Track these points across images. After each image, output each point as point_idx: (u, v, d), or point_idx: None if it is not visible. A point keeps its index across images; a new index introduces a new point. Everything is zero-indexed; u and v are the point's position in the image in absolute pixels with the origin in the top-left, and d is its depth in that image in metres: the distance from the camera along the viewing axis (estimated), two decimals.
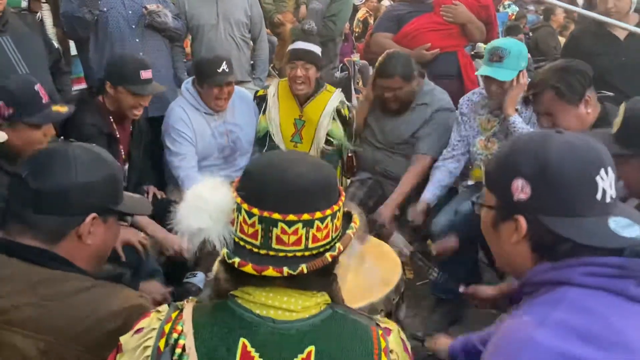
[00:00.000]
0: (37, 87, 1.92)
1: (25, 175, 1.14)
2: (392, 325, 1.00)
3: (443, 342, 1.48)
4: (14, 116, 1.85)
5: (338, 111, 2.98)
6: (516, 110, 2.48)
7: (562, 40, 4.46)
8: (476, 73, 2.77)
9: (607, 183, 0.90)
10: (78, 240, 1.16)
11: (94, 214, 1.16)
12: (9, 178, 1.29)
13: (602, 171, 0.90)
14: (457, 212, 2.56)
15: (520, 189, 0.92)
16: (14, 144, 1.85)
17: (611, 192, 0.91)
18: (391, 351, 0.94)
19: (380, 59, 2.83)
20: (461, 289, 1.62)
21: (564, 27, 4.92)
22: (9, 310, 1.04)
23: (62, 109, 2.02)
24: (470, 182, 2.81)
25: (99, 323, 1.06)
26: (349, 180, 3.16)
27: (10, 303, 1.05)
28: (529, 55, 4.66)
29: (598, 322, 0.81)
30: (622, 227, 0.89)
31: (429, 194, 2.68)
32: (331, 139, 2.99)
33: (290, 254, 0.91)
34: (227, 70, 2.72)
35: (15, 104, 1.84)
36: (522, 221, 0.93)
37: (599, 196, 0.90)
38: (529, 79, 2.42)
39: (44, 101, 1.92)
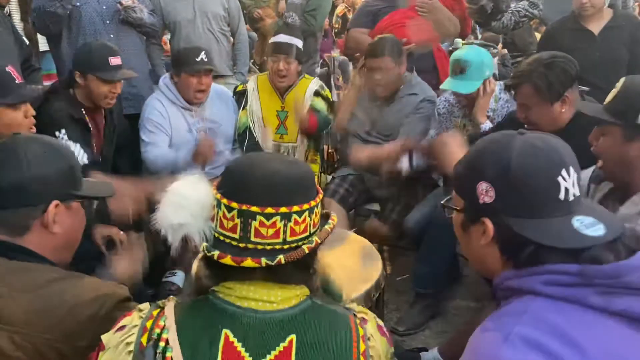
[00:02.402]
0: (9, 68, 1.89)
1: None
2: (368, 314, 1.02)
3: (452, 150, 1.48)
4: None
5: (318, 93, 2.98)
6: (487, 116, 2.52)
7: (538, 36, 4.50)
8: (440, 87, 2.79)
9: (569, 182, 0.91)
10: (44, 231, 1.16)
11: (56, 202, 1.16)
12: None
13: (564, 171, 0.91)
14: (437, 207, 2.57)
15: (485, 192, 0.93)
16: None
17: (574, 191, 0.92)
18: (369, 338, 0.96)
19: (369, 42, 2.83)
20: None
21: (539, 23, 4.97)
22: None
23: (36, 87, 1.97)
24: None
25: (70, 313, 1.05)
26: (329, 177, 3.16)
27: None
28: (505, 51, 4.71)
29: (557, 335, 0.81)
30: (586, 225, 0.89)
31: (406, 162, 2.60)
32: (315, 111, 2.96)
33: (268, 247, 0.92)
34: (205, 59, 2.69)
35: None
36: (489, 224, 0.93)
37: (561, 196, 0.90)
38: (503, 77, 2.45)
39: (17, 81, 1.88)
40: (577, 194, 0.92)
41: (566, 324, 0.83)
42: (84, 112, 2.45)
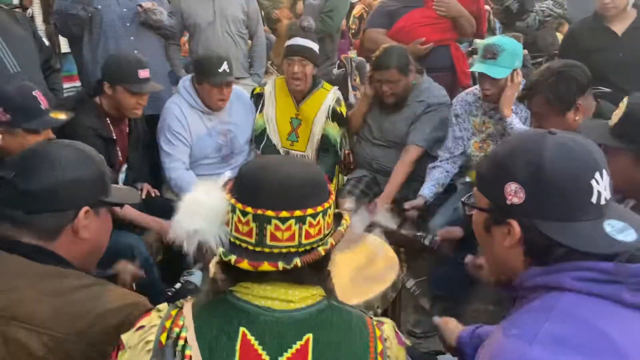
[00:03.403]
0: (36, 92, 1.94)
1: (11, 177, 1.14)
2: (385, 319, 1.03)
3: (452, 326, 1.41)
4: (13, 122, 1.86)
5: (334, 110, 2.96)
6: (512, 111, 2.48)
7: (559, 36, 4.44)
8: (470, 69, 2.77)
9: (602, 186, 0.89)
10: (74, 236, 1.17)
11: (86, 207, 1.17)
12: None
13: (597, 174, 0.89)
14: (456, 209, 2.55)
15: (514, 193, 0.90)
16: (13, 150, 1.85)
17: (605, 194, 0.90)
18: (386, 339, 0.97)
19: (376, 52, 2.82)
20: (468, 257, 1.58)
21: (559, 23, 4.90)
22: (12, 306, 1.06)
23: (60, 115, 2.02)
24: (468, 179, 2.81)
25: (99, 319, 1.07)
26: (345, 178, 3.16)
27: (14, 298, 1.06)
28: (526, 51, 4.66)
29: (588, 330, 0.79)
30: (618, 230, 0.87)
31: (427, 190, 2.68)
32: (328, 141, 2.97)
33: (284, 250, 0.93)
34: (227, 70, 2.71)
35: (14, 110, 1.86)
36: (516, 226, 0.91)
37: (594, 199, 0.88)
38: (524, 79, 2.41)
39: (42, 107, 1.93)
40: (608, 197, 0.90)
41: (597, 318, 0.81)
42: (108, 122, 2.51)
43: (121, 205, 1.35)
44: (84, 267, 1.19)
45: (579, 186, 0.88)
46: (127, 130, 2.64)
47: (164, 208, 2.42)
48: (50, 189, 1.14)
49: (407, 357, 1.01)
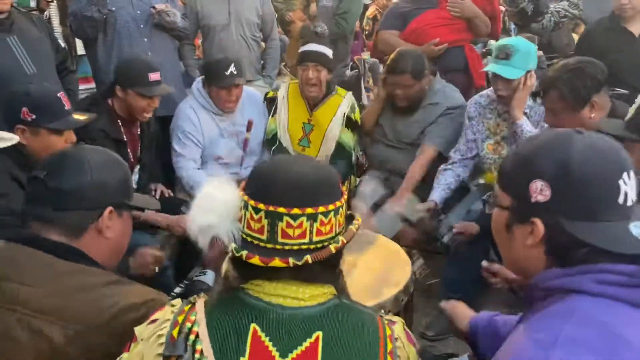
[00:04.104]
0: (60, 94, 1.99)
1: (43, 176, 1.20)
2: (396, 318, 1.03)
3: (461, 311, 1.39)
4: (36, 122, 1.89)
5: (348, 118, 2.95)
6: (525, 113, 2.45)
7: (575, 37, 4.39)
8: (483, 69, 2.75)
9: (629, 186, 0.88)
10: (98, 235, 1.23)
11: (110, 208, 1.23)
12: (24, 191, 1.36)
13: (625, 174, 0.87)
14: (470, 211, 2.53)
15: (539, 191, 0.89)
16: (35, 150, 1.89)
17: (632, 196, 0.88)
18: (396, 338, 0.97)
19: (391, 55, 2.82)
20: (484, 263, 1.57)
21: (575, 24, 4.85)
22: (36, 299, 1.11)
23: (82, 116, 2.07)
24: (481, 181, 2.78)
25: (121, 314, 1.11)
26: (357, 180, 3.15)
27: (38, 292, 1.11)
28: (541, 52, 4.62)
29: (609, 335, 0.78)
30: None
31: (437, 195, 2.65)
32: (341, 149, 2.97)
33: (295, 247, 0.94)
34: (235, 72, 2.72)
35: (38, 110, 1.89)
36: (539, 224, 0.89)
37: (620, 200, 0.87)
38: (538, 79, 2.39)
39: (65, 108, 1.97)
40: (634, 199, 0.89)
41: (618, 323, 0.80)
42: (119, 124, 2.54)
43: (143, 208, 1.41)
44: (106, 265, 1.24)
45: (606, 186, 0.87)
46: (139, 132, 2.67)
47: (177, 208, 2.45)
48: (79, 188, 1.20)
49: (417, 357, 1.00)
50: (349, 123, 2.96)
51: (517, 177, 0.93)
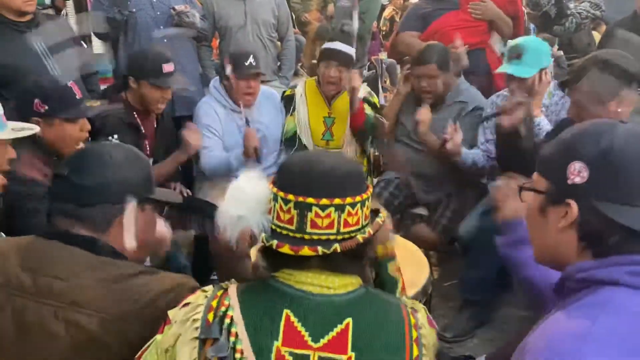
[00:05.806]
0: (70, 84, 1.99)
1: (67, 173, 1.22)
2: (418, 306, 1.07)
3: (513, 205, 1.43)
4: (49, 112, 1.90)
5: (367, 100, 2.94)
6: (541, 111, 2.43)
7: (596, 36, 4.33)
8: (496, 71, 2.73)
9: None
10: (123, 229, 1.24)
11: (134, 202, 1.24)
12: (45, 189, 1.39)
13: None
14: (489, 211, 2.51)
15: (577, 172, 0.89)
16: (52, 140, 1.91)
17: None
18: (420, 327, 1.00)
19: (418, 50, 2.81)
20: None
21: (597, 23, 4.78)
22: (73, 292, 1.13)
23: (95, 103, 2.09)
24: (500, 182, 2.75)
25: (152, 301, 1.13)
26: (374, 180, 3.14)
27: (74, 284, 1.14)
28: (561, 52, 4.57)
29: None
30: None
31: (465, 149, 2.64)
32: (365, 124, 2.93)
33: (324, 237, 0.97)
34: (254, 63, 2.74)
35: (50, 100, 1.90)
36: (574, 206, 0.90)
37: None
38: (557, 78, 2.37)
39: (77, 97, 1.98)
40: None
41: None
42: (135, 116, 2.55)
43: (165, 203, 1.41)
44: (133, 259, 1.25)
45: None
46: (155, 126, 2.67)
47: (195, 206, 2.46)
48: (102, 183, 1.21)
49: (437, 339, 1.04)
50: (369, 104, 2.95)
51: (556, 160, 0.94)
